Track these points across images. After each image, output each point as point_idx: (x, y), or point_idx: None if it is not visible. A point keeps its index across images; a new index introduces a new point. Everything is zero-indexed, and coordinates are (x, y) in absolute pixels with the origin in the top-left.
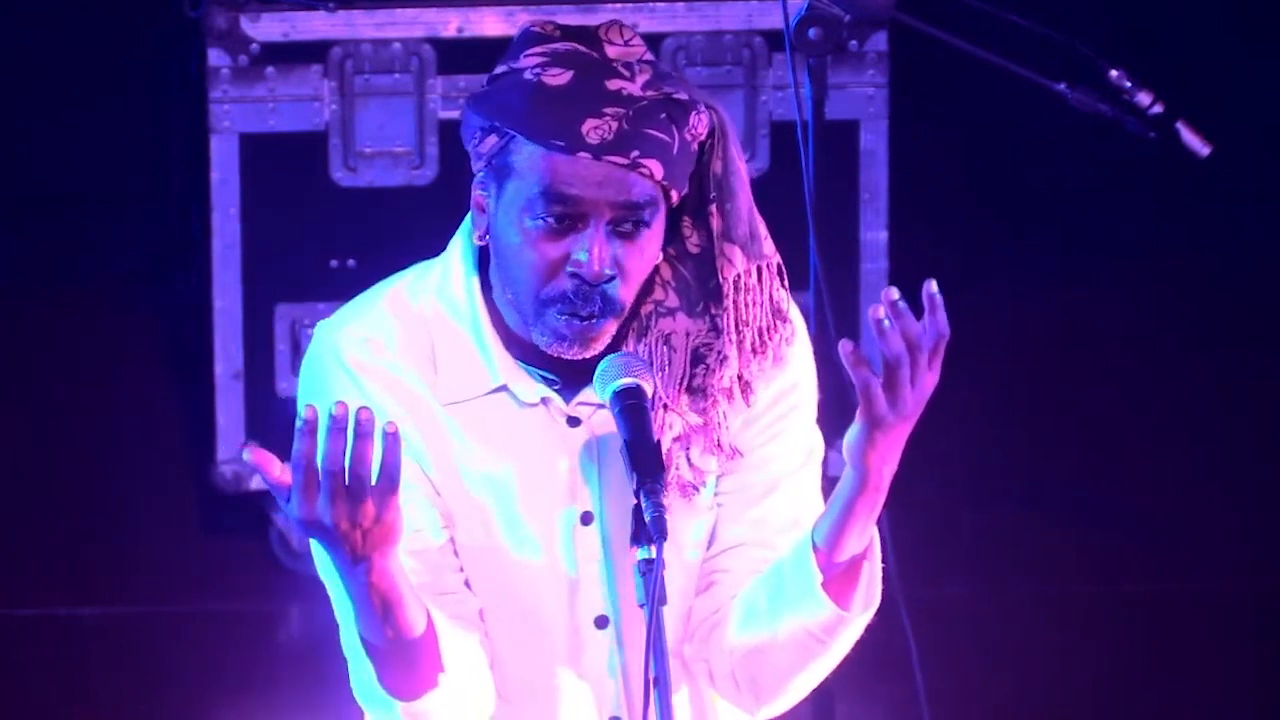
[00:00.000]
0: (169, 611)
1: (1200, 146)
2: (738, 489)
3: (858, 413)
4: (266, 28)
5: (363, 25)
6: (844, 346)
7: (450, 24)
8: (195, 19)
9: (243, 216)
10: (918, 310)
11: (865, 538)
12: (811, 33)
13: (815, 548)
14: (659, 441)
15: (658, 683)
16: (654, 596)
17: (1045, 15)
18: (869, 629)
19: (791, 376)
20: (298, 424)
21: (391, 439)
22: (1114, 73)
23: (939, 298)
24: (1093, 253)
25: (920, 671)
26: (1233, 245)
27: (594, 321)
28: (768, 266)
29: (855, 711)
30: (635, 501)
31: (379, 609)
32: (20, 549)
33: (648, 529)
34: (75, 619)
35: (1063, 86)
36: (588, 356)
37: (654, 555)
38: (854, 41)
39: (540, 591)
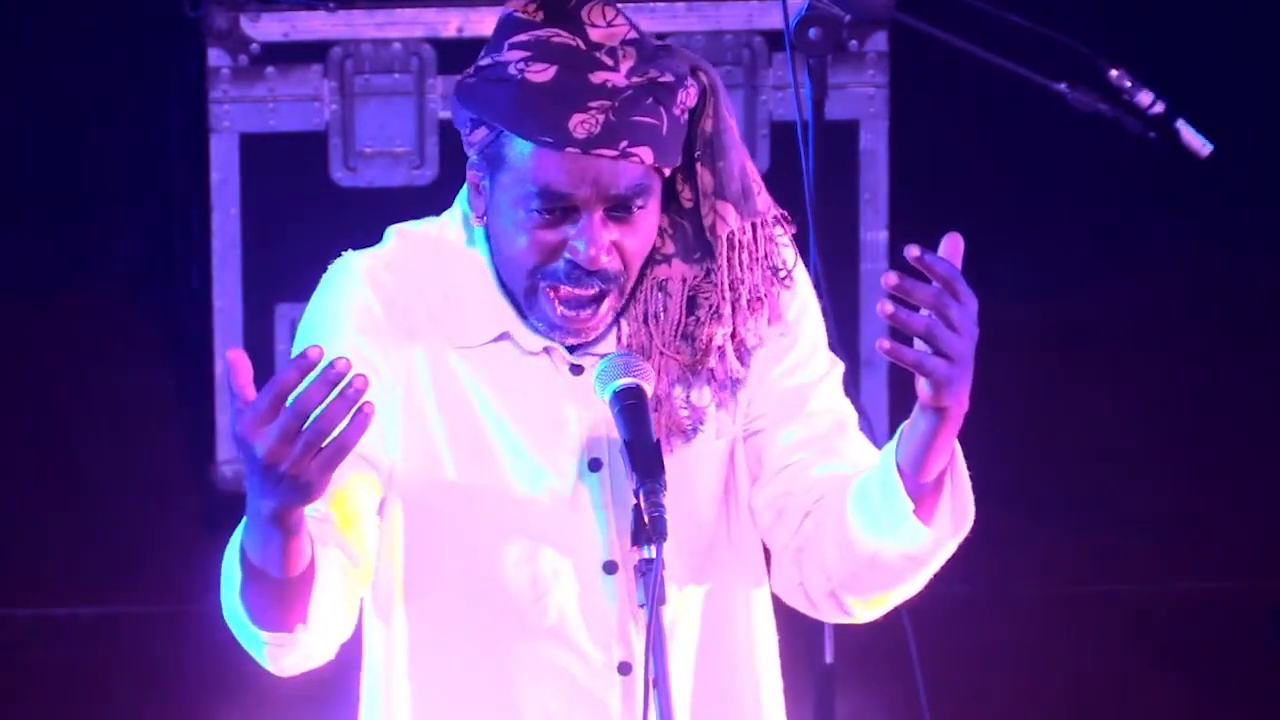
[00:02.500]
0: (169, 611)
1: (1200, 146)
2: (773, 406)
3: (920, 387)
4: (266, 28)
5: (363, 25)
6: (881, 345)
7: (450, 24)
8: (195, 19)
9: (243, 216)
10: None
11: (948, 454)
12: (811, 33)
13: (900, 473)
14: (659, 441)
15: (658, 683)
16: (654, 596)
17: (1045, 15)
18: (869, 627)
19: (791, 289)
20: (294, 353)
21: (363, 418)
22: (1114, 73)
23: (926, 255)
24: (1093, 253)
25: (920, 671)
26: (1233, 245)
27: (589, 310)
28: (763, 222)
29: (855, 710)
30: (635, 502)
31: (265, 538)
32: (20, 549)
33: (647, 529)
34: (75, 619)
35: (1063, 86)
36: (587, 340)
37: (654, 555)
38: (854, 41)
39: (547, 535)
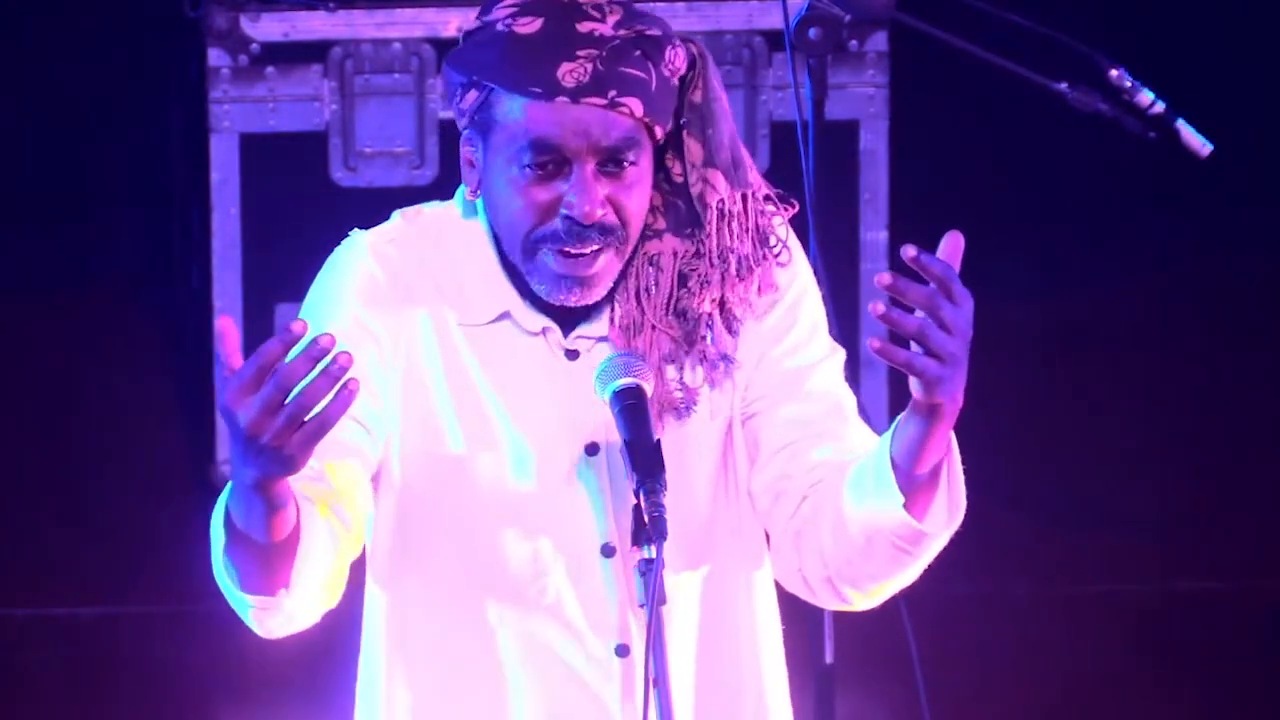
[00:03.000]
0: (169, 611)
1: (1200, 146)
2: (772, 387)
3: (913, 385)
4: (266, 28)
5: (363, 25)
6: (871, 344)
7: (450, 24)
8: (195, 19)
9: (243, 216)
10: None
11: (942, 449)
12: (811, 33)
13: (894, 464)
14: (659, 441)
15: (658, 683)
16: (654, 596)
17: (1045, 15)
18: (869, 627)
19: (791, 271)
20: (287, 327)
21: (347, 395)
22: (1114, 73)
23: (922, 255)
24: (1093, 253)
25: (920, 671)
26: (1233, 245)
27: (589, 258)
28: (753, 195)
29: (855, 710)
30: (635, 502)
31: (248, 506)
32: (20, 549)
33: (648, 529)
34: (75, 619)
35: (1063, 86)
36: (590, 302)
37: (654, 555)
38: (854, 41)
39: (545, 517)
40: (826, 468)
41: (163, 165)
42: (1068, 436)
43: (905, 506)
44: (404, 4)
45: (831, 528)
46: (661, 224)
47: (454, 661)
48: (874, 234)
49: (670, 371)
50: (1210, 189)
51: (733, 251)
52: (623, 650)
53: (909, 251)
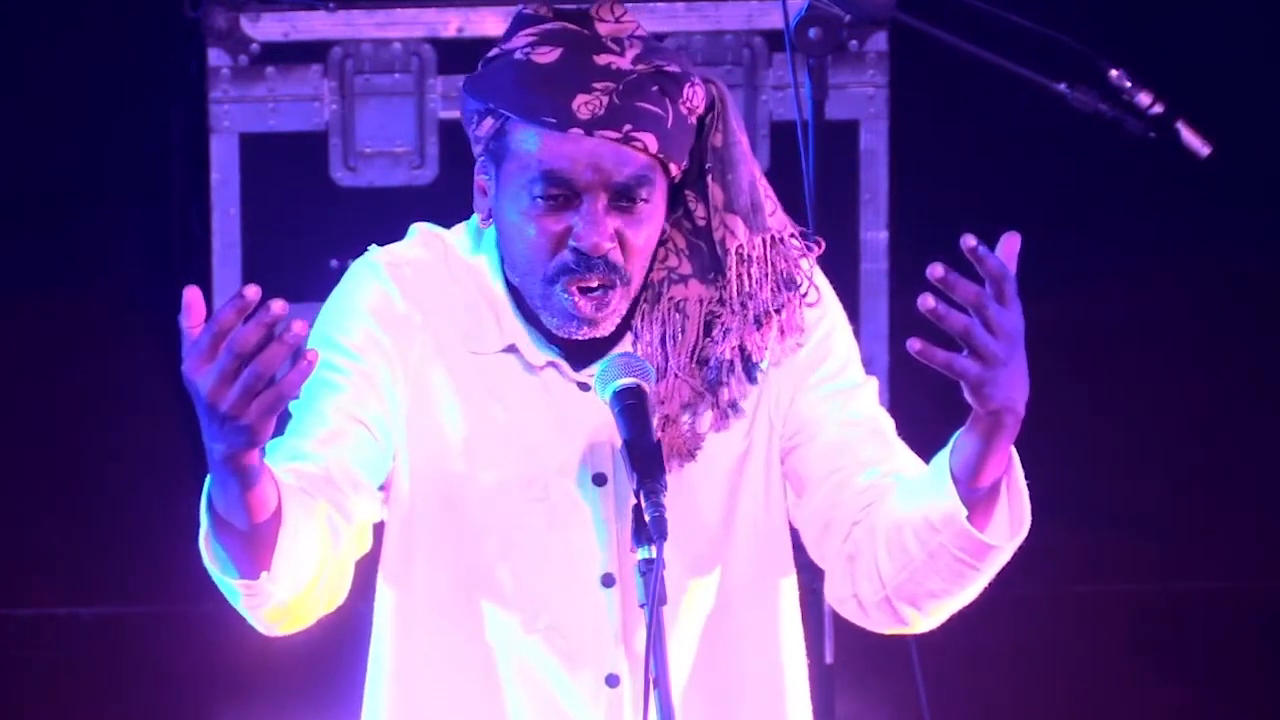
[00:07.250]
0: (169, 611)
1: (1200, 146)
2: (810, 418)
3: (966, 393)
4: (266, 28)
5: (363, 25)
6: (912, 345)
7: (450, 24)
8: (195, 19)
9: (243, 216)
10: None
11: (1003, 462)
12: (811, 33)
13: (954, 479)
14: (659, 442)
15: (658, 683)
16: (654, 597)
17: (1045, 15)
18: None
19: (820, 309)
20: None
21: (306, 366)
22: (1114, 73)
23: (980, 248)
24: (1093, 253)
25: (920, 671)
26: (1234, 245)
27: (603, 293)
28: (775, 238)
29: (855, 711)
30: (635, 502)
31: (223, 484)
32: (20, 549)
33: (648, 529)
34: (75, 619)
35: (1063, 86)
36: (599, 335)
37: (654, 555)
38: (854, 41)
39: (548, 544)
40: (875, 490)
41: (163, 165)
42: (1068, 436)
43: (969, 519)
44: (404, 4)
45: (887, 547)
46: (686, 268)
47: (453, 678)
48: (874, 234)
49: (684, 417)
50: (1210, 189)
51: (752, 297)
52: (613, 680)
53: (969, 241)
